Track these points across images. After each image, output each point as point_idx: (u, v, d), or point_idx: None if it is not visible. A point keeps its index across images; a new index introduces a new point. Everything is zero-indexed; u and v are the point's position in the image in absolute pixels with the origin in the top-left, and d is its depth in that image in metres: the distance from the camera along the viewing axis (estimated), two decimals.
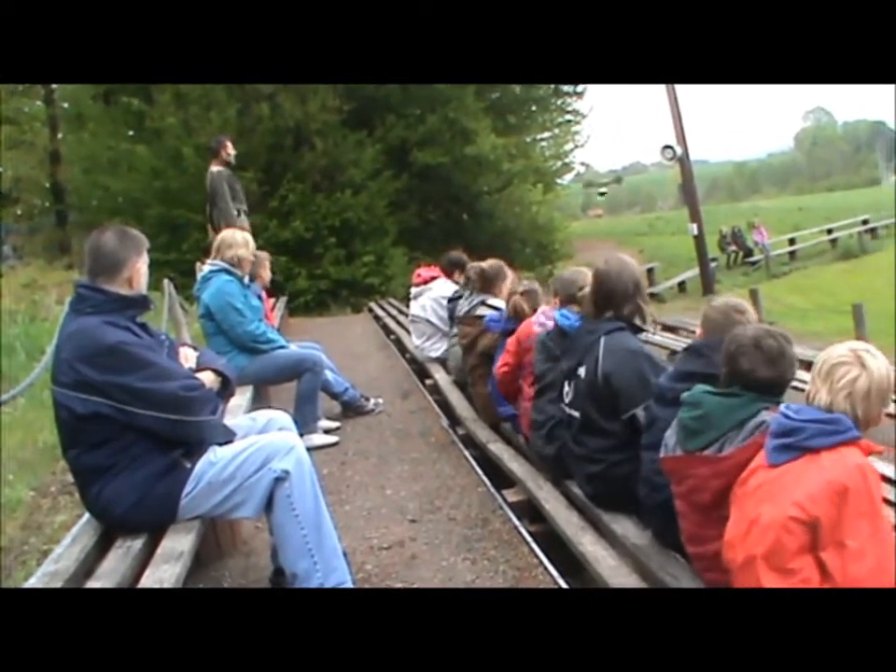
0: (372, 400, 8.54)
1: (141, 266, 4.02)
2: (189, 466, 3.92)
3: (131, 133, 24.99)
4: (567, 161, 33.34)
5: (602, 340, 4.54)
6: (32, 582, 3.45)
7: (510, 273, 7.78)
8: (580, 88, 31.65)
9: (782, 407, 3.09)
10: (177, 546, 3.71)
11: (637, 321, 4.71)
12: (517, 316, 6.25)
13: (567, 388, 4.89)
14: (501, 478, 5.99)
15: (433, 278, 9.60)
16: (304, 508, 3.89)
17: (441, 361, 9.26)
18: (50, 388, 3.87)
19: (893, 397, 3.27)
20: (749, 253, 35.41)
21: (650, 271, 27.88)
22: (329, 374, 7.97)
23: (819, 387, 2.99)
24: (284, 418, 4.65)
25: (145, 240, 4.11)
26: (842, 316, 16.98)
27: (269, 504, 3.92)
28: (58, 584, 3.37)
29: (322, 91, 23.96)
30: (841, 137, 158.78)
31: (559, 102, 32.21)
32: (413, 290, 9.78)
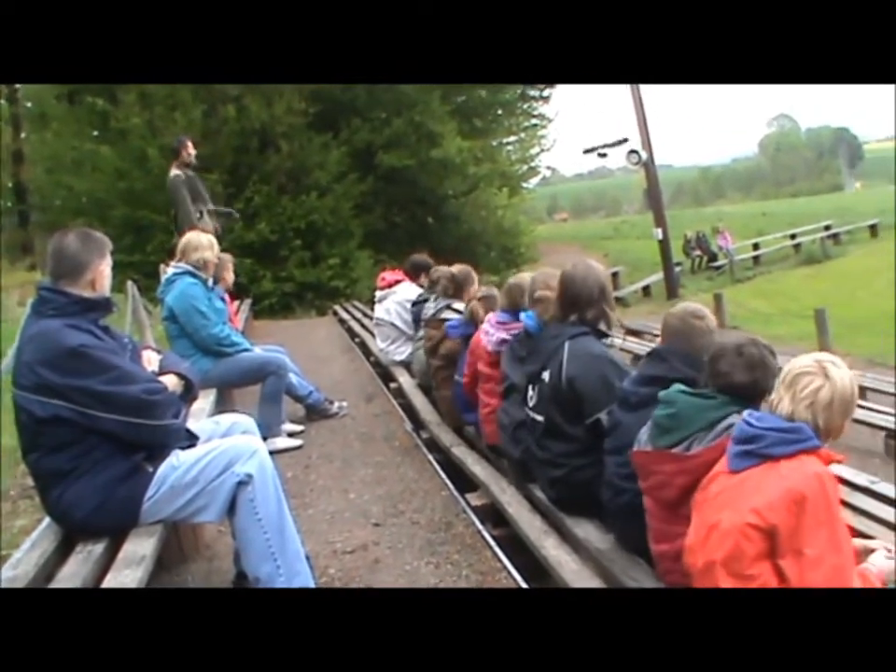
0: (336, 404, 8.54)
1: (104, 269, 3.99)
2: (151, 469, 3.90)
3: (95, 133, 24.80)
4: (532, 164, 33.39)
5: (566, 344, 4.54)
6: None
7: (476, 278, 7.81)
8: (546, 92, 31.76)
9: (745, 414, 3.11)
10: (139, 550, 3.68)
11: (602, 326, 4.72)
12: (474, 322, 6.27)
13: (530, 392, 4.90)
14: (465, 481, 6.00)
15: (397, 282, 9.61)
16: (267, 512, 3.88)
17: (406, 365, 9.25)
18: (11, 391, 3.83)
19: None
20: (713, 258, 35.65)
21: (614, 275, 28.04)
22: (293, 377, 7.97)
23: (783, 396, 3.00)
24: (247, 422, 4.64)
25: (108, 242, 4.08)
26: (804, 321, 17.16)
27: (231, 508, 3.90)
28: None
29: (288, 94, 23.94)
30: (804, 144, 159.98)
31: (525, 106, 32.30)
32: (378, 294, 9.79)
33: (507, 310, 5.83)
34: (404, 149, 25.92)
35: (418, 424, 7.75)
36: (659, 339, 4.21)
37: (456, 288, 7.53)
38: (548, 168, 43.72)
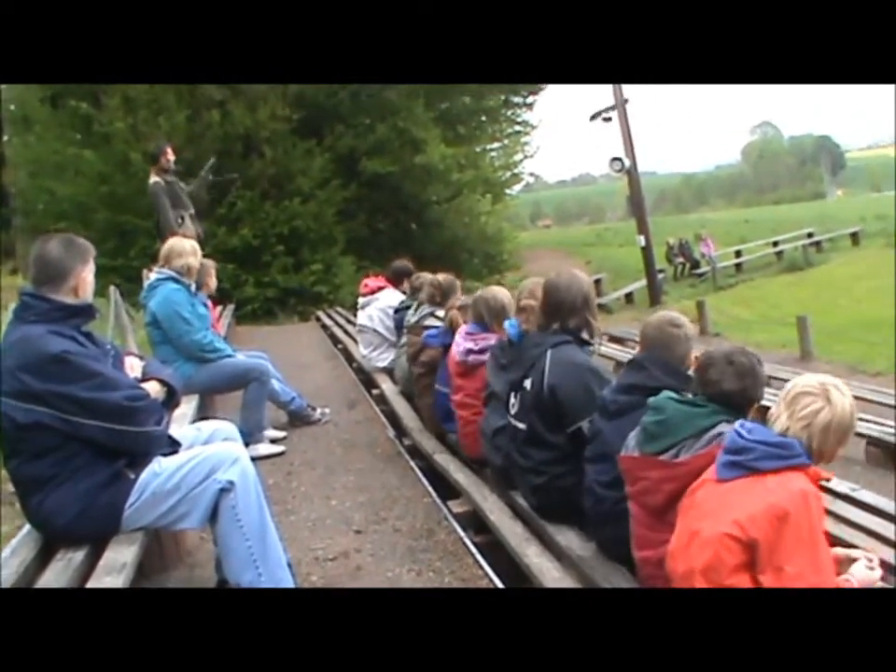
0: (319, 410, 8.54)
1: (87, 275, 3.99)
2: (133, 476, 3.89)
3: (78, 136, 24.70)
4: (516, 171, 33.33)
5: (549, 353, 4.56)
6: None
7: (459, 287, 7.82)
8: (529, 99, 31.86)
9: (737, 424, 3.11)
10: (120, 557, 3.67)
11: (585, 335, 4.73)
12: (453, 330, 6.29)
13: (512, 400, 4.91)
14: (447, 489, 6.00)
15: (380, 288, 9.62)
16: (249, 519, 3.88)
17: (388, 371, 9.26)
18: None
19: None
20: (696, 265, 35.73)
21: (597, 281, 28.01)
22: (275, 384, 7.96)
23: (782, 411, 3.01)
24: (229, 428, 4.64)
25: (91, 248, 4.08)
26: (786, 328, 17.19)
27: (213, 515, 3.91)
28: None
29: (272, 100, 23.94)
30: (787, 151, 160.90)
31: (509, 113, 32.34)
32: (361, 300, 9.78)
33: (477, 321, 5.87)
34: (388, 156, 25.91)
35: (401, 430, 7.75)
36: (638, 347, 4.23)
37: (442, 296, 7.54)
38: (531, 175, 43.95)
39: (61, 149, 23.62)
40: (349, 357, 12.15)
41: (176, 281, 7.21)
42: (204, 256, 8.14)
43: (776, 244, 39.19)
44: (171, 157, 11.28)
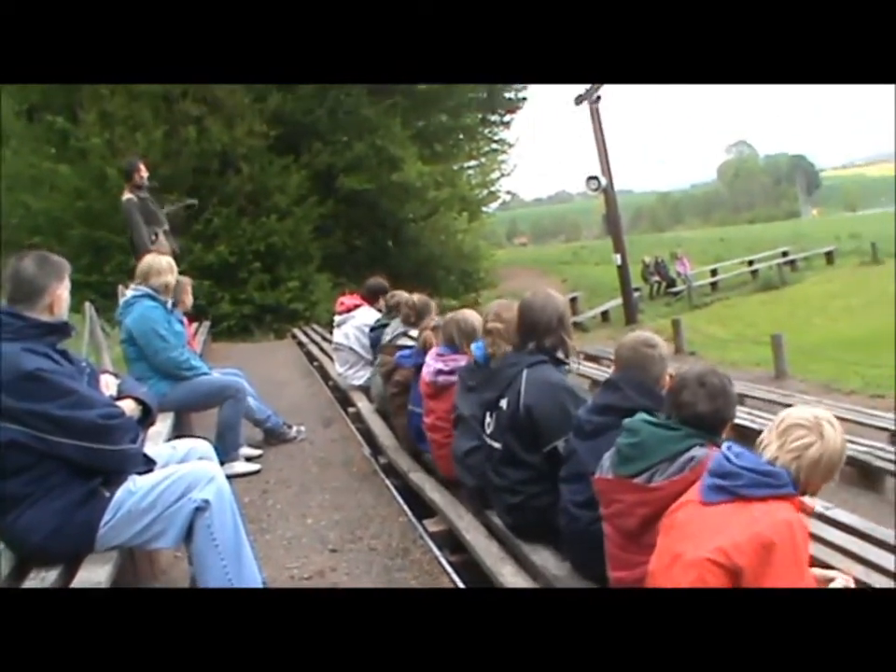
0: (295, 428, 8.53)
1: (62, 292, 3.98)
2: (108, 495, 3.88)
3: (54, 151, 24.59)
4: (493, 189, 33.54)
5: (524, 372, 4.57)
6: None
7: (434, 308, 7.84)
8: (506, 117, 32.05)
9: (724, 447, 3.10)
10: (94, 576, 3.65)
11: (560, 354, 4.75)
12: (426, 351, 6.30)
13: (488, 419, 4.92)
14: (423, 507, 6.00)
15: (356, 306, 9.61)
16: (224, 538, 3.88)
17: (364, 389, 9.23)
18: None
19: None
20: (671, 283, 35.93)
21: (573, 300, 28.14)
22: (251, 401, 7.94)
23: (772, 440, 2.99)
24: (205, 447, 4.63)
25: (66, 265, 4.07)
26: (761, 346, 17.33)
27: (188, 534, 3.90)
28: None
29: (249, 116, 23.97)
30: (763, 170, 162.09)
31: (486, 131, 32.57)
32: (337, 318, 9.78)
33: (447, 343, 5.90)
34: (365, 173, 25.98)
35: (376, 449, 7.73)
36: (613, 367, 4.25)
37: (417, 317, 7.55)
38: (508, 193, 44.00)
39: (36, 163, 23.42)
40: (325, 375, 12.13)
41: (153, 298, 7.18)
42: (180, 272, 8.12)
43: (751, 262, 39.44)
44: (144, 173, 11.27)
